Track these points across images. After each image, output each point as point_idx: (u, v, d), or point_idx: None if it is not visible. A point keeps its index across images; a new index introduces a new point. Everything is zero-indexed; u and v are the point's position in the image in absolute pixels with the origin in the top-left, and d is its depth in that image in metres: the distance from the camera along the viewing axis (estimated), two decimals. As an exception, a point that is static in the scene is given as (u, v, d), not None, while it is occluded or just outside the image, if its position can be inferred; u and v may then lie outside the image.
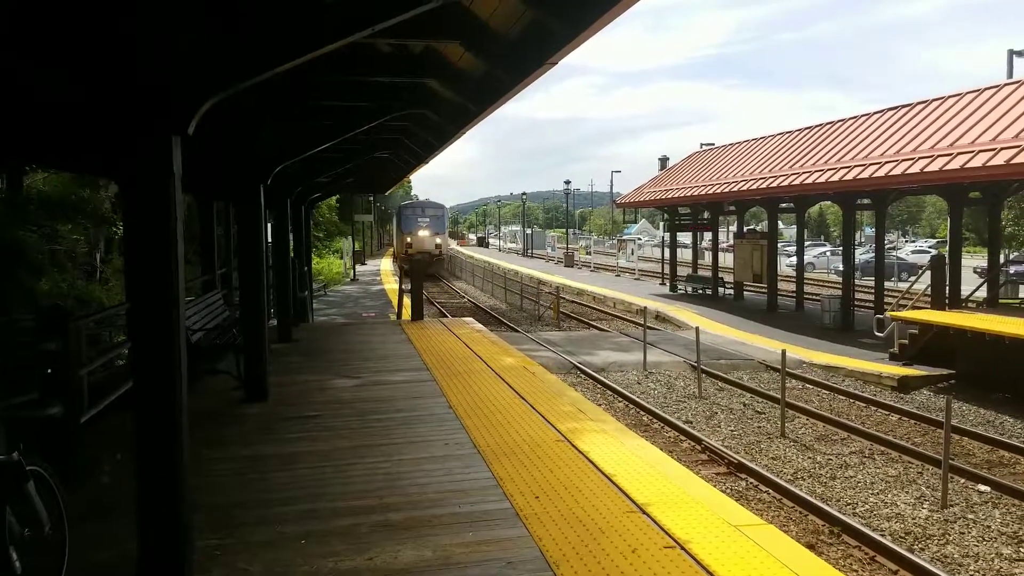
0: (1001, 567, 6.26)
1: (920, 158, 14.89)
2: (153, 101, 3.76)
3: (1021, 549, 6.60)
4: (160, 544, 3.83)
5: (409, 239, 43.75)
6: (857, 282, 22.18)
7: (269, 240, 14.06)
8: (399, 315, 17.85)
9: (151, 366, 3.88)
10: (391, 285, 30.89)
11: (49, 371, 5.43)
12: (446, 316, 21.43)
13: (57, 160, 10.26)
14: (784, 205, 23.99)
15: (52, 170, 14.26)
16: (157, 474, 3.85)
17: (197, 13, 3.92)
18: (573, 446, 6.07)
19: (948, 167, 13.94)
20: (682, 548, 4.13)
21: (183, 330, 4.01)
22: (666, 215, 32.85)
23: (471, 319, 15.41)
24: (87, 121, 5.83)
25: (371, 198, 47.90)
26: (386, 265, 49.38)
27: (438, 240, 44.46)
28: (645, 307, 20.51)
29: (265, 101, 7.73)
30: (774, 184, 20.02)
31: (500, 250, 77.81)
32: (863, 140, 17.87)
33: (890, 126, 17.48)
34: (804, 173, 18.98)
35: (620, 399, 12.12)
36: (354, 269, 39.16)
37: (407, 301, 17.23)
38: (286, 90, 7.79)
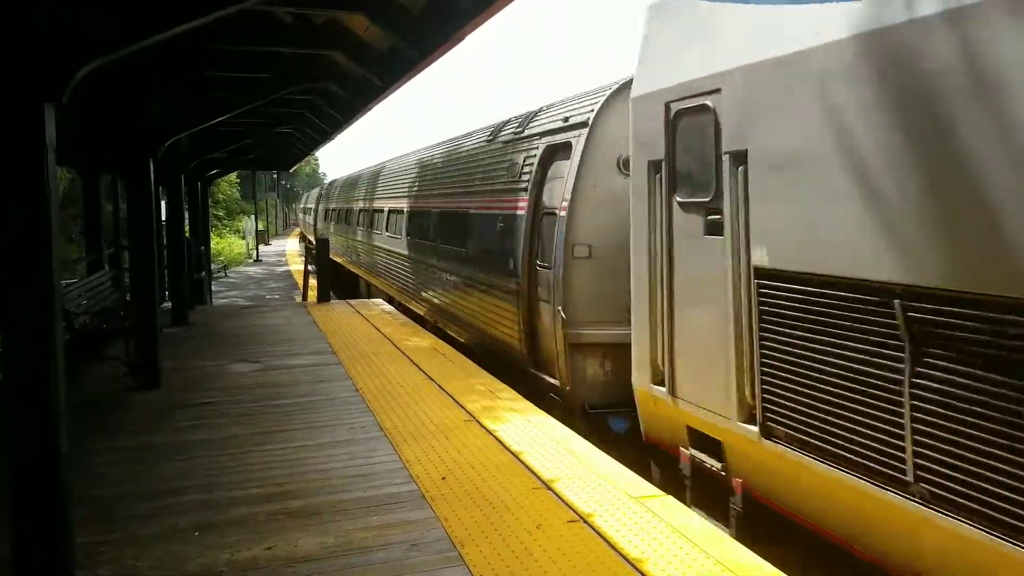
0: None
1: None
2: (19, 64, 3.45)
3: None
4: (36, 544, 3.58)
5: None
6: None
7: (163, 218, 13.39)
8: (304, 297, 17.39)
9: (24, 353, 3.58)
10: (297, 266, 30.05)
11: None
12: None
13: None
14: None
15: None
16: (31, 468, 3.58)
17: (69, -32, 3.61)
18: (482, 426, 6.06)
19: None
20: (585, 522, 4.19)
21: (59, 313, 3.73)
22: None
23: (380, 300, 15.16)
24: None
25: (275, 175, 45.67)
26: (292, 246, 47.96)
27: None
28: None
29: (154, 68, 7.28)
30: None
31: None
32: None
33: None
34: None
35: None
36: (257, 250, 37.89)
37: (313, 282, 16.80)
38: (178, 58, 7.36)
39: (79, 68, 3.64)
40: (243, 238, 41.37)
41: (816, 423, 4.10)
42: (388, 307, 13.77)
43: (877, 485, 3.72)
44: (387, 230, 16.38)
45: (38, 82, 3.54)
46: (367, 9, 6.21)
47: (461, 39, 5.71)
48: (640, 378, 5.93)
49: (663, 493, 4.65)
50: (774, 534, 4.54)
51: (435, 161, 13.76)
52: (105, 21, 3.67)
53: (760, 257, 4.50)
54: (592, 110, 7.57)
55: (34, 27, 3.47)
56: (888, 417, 3.66)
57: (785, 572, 3.64)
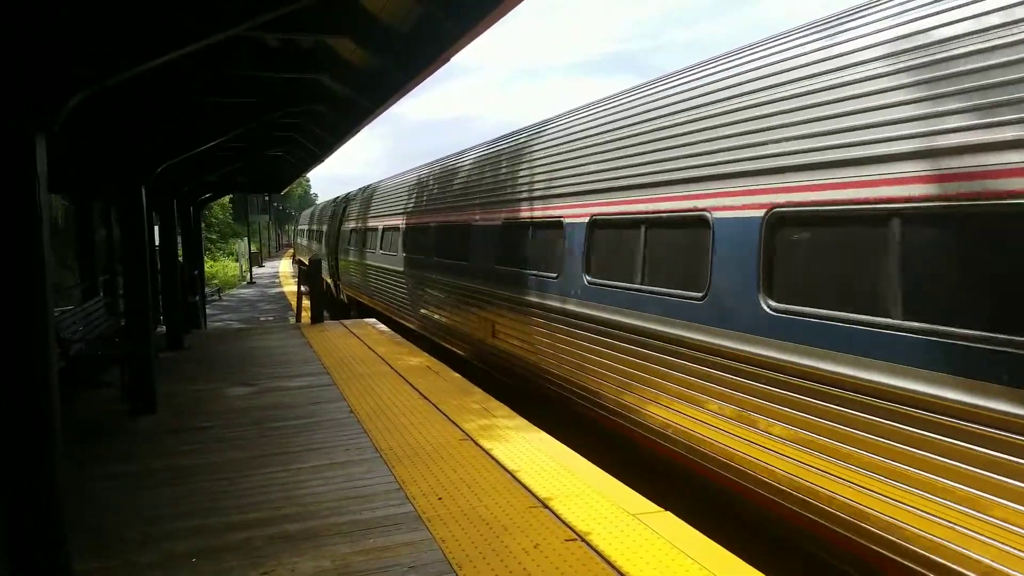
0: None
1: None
2: (10, 95, 3.47)
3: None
4: (33, 573, 3.56)
5: None
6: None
7: (156, 243, 13.37)
8: (298, 318, 17.35)
9: (17, 382, 3.58)
10: (290, 287, 30.00)
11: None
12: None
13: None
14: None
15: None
16: (28, 496, 3.57)
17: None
18: (477, 444, 6.05)
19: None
20: (583, 540, 4.18)
21: (53, 341, 3.74)
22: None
23: (373, 319, 15.14)
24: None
25: (267, 197, 45.57)
26: (285, 267, 47.87)
27: None
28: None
29: (143, 95, 7.31)
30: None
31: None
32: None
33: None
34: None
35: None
36: (251, 271, 37.83)
37: (306, 303, 16.77)
38: (167, 85, 7.39)
39: (70, 98, 3.67)
40: (236, 260, 41.32)
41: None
42: (382, 326, 13.75)
43: None
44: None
45: (29, 112, 3.56)
46: (353, 33, 6.27)
47: (447, 60, 5.76)
48: None
49: (661, 509, 4.65)
50: None
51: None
52: (99, 50, 3.70)
53: None
54: None
55: (23, 56, 3.49)
56: None
57: None
